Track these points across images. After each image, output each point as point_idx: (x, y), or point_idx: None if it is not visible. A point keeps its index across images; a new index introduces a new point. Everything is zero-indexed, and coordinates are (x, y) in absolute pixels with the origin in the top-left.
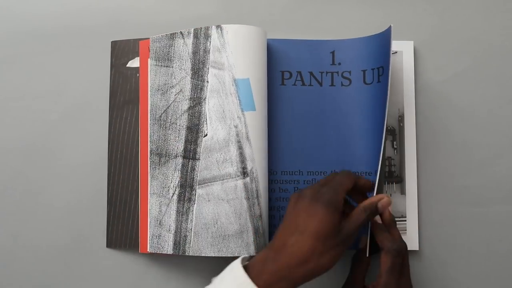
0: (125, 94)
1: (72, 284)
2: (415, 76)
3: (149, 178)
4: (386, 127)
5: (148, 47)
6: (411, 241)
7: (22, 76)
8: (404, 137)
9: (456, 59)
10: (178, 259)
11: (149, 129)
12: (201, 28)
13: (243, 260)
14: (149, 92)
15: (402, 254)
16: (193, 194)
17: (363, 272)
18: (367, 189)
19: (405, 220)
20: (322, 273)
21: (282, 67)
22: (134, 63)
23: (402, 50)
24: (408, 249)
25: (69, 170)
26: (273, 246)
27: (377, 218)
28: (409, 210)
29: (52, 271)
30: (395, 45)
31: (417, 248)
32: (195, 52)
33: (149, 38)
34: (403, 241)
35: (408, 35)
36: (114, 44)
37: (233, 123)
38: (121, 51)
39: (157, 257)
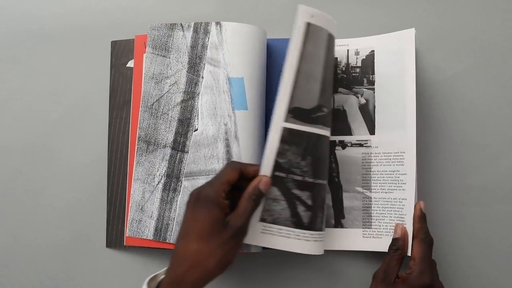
0: (125, 94)
1: (72, 284)
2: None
3: (134, 164)
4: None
5: (144, 43)
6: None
7: (22, 76)
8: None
9: (456, 59)
10: None
11: (139, 115)
12: (201, 23)
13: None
14: (143, 79)
15: (431, 247)
16: (178, 185)
17: (400, 261)
18: (254, 173)
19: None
20: (220, 272)
21: (282, 67)
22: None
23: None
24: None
25: (69, 170)
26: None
27: (418, 209)
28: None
29: (52, 271)
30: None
31: None
32: (193, 46)
33: (145, 34)
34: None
35: None
36: (114, 44)
37: (223, 121)
38: (121, 51)
39: (157, 257)
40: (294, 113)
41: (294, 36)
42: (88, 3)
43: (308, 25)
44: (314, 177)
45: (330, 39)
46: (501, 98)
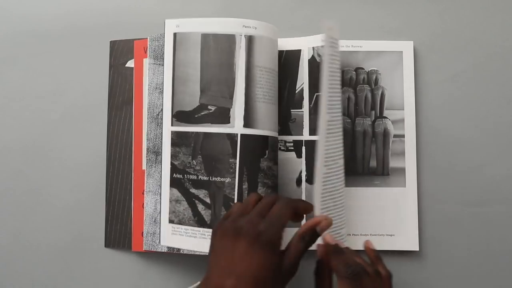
0: (124, 94)
1: (71, 284)
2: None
3: (145, 176)
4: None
5: (144, 48)
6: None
7: (22, 76)
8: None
9: (456, 59)
10: (177, 259)
11: (146, 127)
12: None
13: None
14: (147, 91)
15: (361, 276)
16: None
17: (329, 286)
18: (307, 212)
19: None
20: None
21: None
22: (133, 63)
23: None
24: (408, 249)
25: (69, 170)
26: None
27: (328, 240)
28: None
29: (52, 271)
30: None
31: (417, 249)
32: None
33: (145, 38)
34: (359, 264)
35: (408, 35)
36: (113, 44)
37: None
38: (120, 51)
39: (156, 257)
40: (178, 116)
41: (165, 48)
42: (88, 3)
43: (175, 35)
44: (208, 175)
45: (206, 40)
46: (500, 98)
